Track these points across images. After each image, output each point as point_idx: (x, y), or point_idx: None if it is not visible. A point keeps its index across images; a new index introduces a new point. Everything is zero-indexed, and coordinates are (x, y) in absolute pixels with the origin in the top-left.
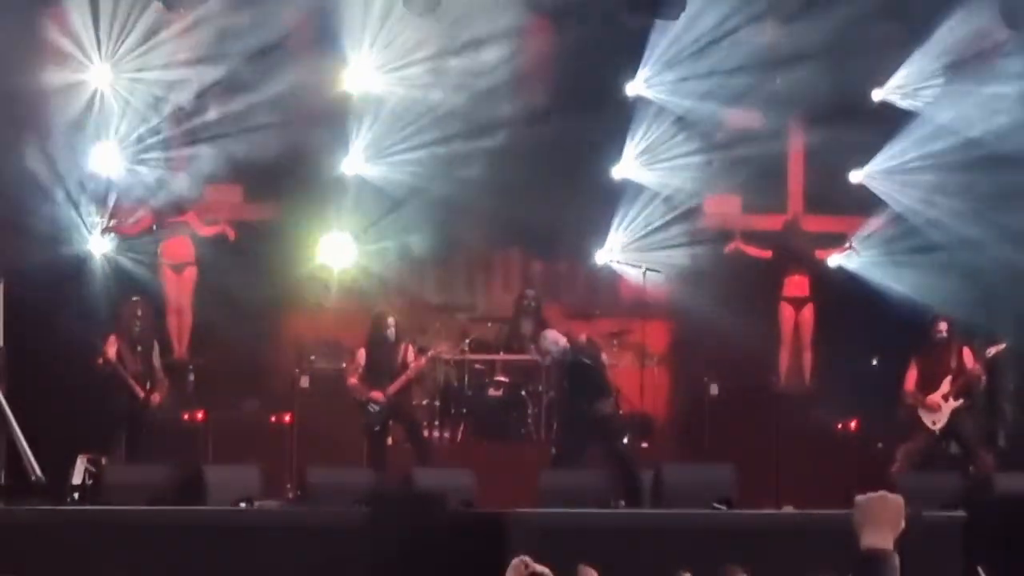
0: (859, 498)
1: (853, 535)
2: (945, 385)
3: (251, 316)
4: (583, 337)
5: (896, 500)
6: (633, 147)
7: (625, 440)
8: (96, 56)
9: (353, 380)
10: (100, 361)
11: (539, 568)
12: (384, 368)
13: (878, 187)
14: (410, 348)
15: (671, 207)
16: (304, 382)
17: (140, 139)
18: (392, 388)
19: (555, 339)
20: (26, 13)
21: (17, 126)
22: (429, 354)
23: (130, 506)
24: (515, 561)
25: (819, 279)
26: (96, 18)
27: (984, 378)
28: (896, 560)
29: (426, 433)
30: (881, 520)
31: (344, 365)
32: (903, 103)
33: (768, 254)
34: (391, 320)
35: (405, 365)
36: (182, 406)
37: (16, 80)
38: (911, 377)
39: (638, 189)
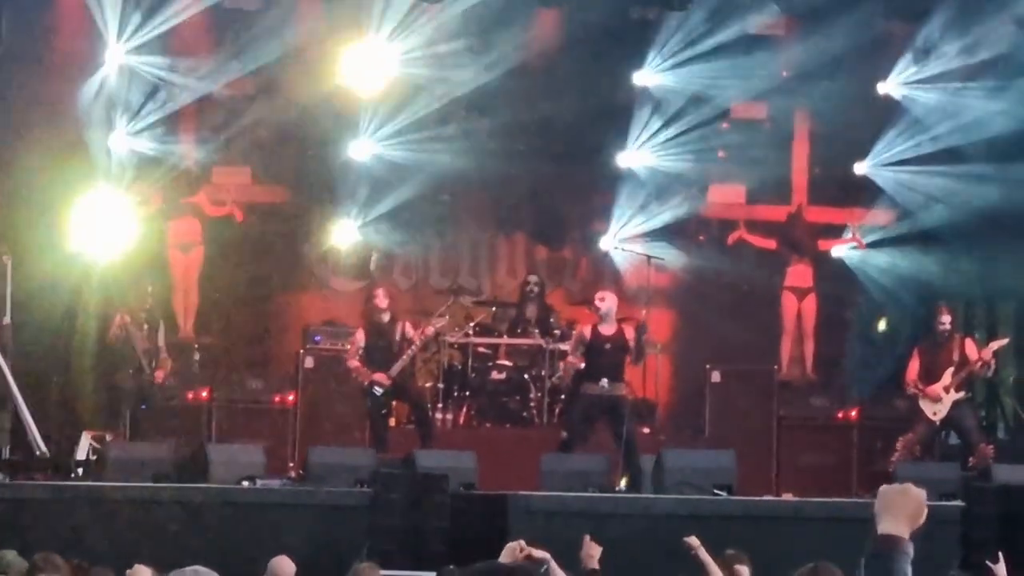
0: (883, 488)
1: (871, 522)
2: (947, 376)
3: (257, 297)
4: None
5: (918, 493)
6: (638, 136)
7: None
8: (113, 34)
9: (354, 363)
10: (114, 330)
11: (537, 553)
12: (383, 347)
13: (881, 179)
14: (407, 324)
15: (675, 196)
16: (308, 363)
17: (152, 119)
18: (395, 369)
19: (614, 303)
20: None
21: (33, 102)
22: (429, 329)
23: (133, 483)
24: (509, 544)
25: (822, 270)
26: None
27: (992, 367)
28: (910, 548)
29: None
30: (900, 510)
31: (347, 347)
32: (906, 96)
33: (771, 244)
34: (383, 297)
35: (404, 342)
36: (187, 385)
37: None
38: (913, 367)
39: (642, 177)
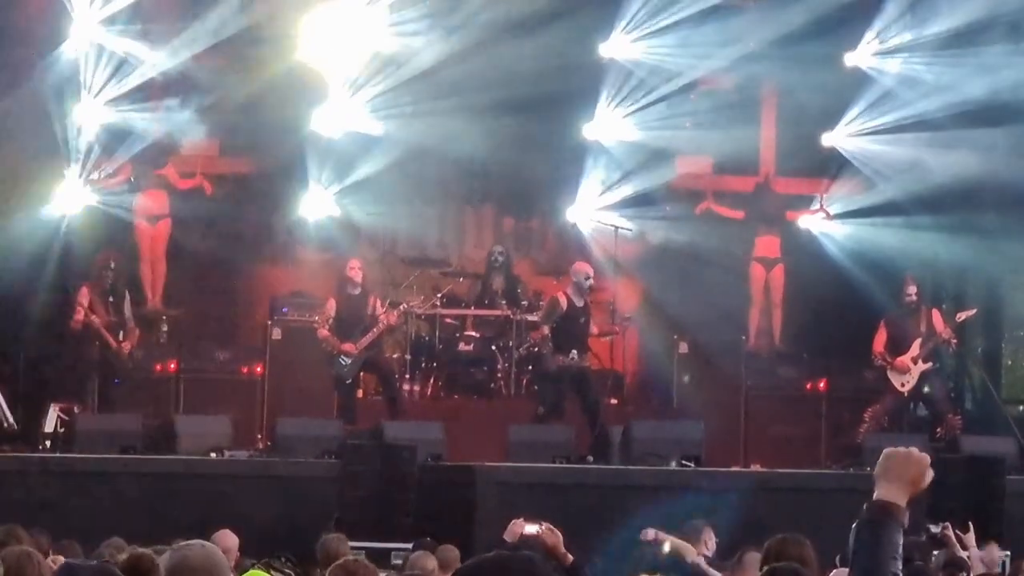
0: (887, 450)
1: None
2: (914, 348)
3: (224, 268)
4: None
5: (922, 458)
6: (605, 107)
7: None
8: (79, 5)
9: (324, 332)
10: (76, 318)
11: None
12: (353, 319)
13: (849, 149)
14: (377, 300)
15: (643, 167)
16: (276, 334)
17: (120, 91)
18: (363, 341)
19: (588, 272)
20: None
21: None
22: (400, 308)
23: (101, 454)
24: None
25: (789, 240)
26: None
27: (955, 342)
28: (904, 517)
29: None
30: (901, 475)
31: (316, 317)
32: (875, 67)
33: (739, 215)
34: (357, 270)
35: (374, 316)
36: (155, 357)
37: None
38: (880, 339)
39: (610, 148)
